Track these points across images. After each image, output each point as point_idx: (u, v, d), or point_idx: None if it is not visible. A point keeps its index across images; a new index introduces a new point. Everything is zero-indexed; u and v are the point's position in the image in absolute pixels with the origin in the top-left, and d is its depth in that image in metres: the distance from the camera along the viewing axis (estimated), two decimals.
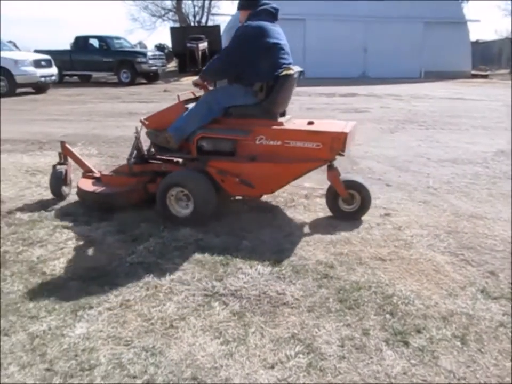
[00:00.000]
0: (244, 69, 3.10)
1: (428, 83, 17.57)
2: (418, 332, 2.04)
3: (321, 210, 3.46)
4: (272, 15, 3.21)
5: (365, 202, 3.23)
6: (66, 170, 3.79)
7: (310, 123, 3.23)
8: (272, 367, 1.81)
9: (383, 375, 1.78)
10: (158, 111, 3.58)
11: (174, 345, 1.93)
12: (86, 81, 18.02)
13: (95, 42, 17.48)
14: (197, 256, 2.70)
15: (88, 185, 3.55)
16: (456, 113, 9.09)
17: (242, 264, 2.59)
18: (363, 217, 3.30)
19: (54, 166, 3.78)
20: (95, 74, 18.15)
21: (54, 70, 14.00)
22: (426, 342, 1.97)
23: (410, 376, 1.78)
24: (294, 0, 18.96)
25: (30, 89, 13.45)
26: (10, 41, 16.05)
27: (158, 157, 3.53)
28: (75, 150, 3.97)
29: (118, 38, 18.46)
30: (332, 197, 3.28)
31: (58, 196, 3.73)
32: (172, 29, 23.84)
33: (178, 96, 3.47)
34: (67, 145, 3.84)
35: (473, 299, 2.30)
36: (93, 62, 16.80)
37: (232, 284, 2.38)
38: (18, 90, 12.92)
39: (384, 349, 1.93)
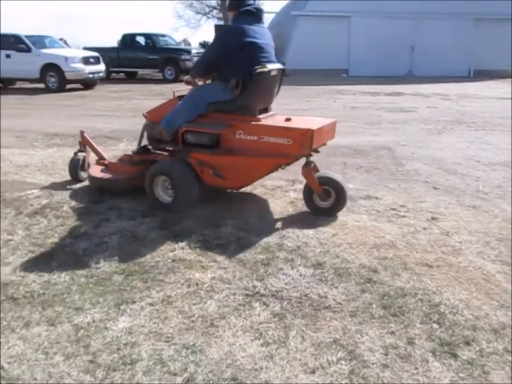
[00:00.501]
0: (223, 67, 3.32)
1: (477, 82, 16.90)
2: (467, 343, 1.94)
3: (365, 212, 3.37)
4: (253, 15, 3.34)
5: (340, 198, 3.26)
6: (84, 157, 4.21)
7: (288, 119, 3.33)
8: (313, 372, 1.78)
9: None
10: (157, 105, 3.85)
11: (214, 344, 1.93)
12: (131, 78, 18.45)
13: (141, 40, 17.87)
14: (238, 255, 2.69)
15: (97, 171, 3.89)
16: (507, 114, 8.68)
17: (284, 265, 2.56)
18: (409, 221, 3.20)
19: (75, 153, 4.23)
20: (141, 71, 18.57)
21: (102, 66, 14.41)
22: (476, 355, 1.88)
23: None
24: None
25: (78, 85, 13.89)
26: (61, 39, 16.62)
27: (154, 147, 3.80)
28: (92, 140, 4.28)
29: (163, 36, 18.79)
30: (308, 192, 3.35)
31: (76, 179, 4.16)
32: (216, 26, 24.01)
33: (173, 92, 3.79)
34: (85, 135, 4.22)
35: None
36: (139, 59, 17.16)
37: (273, 284, 2.36)
38: (68, 86, 13.37)
39: (430, 359, 1.85)
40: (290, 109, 9.27)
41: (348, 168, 4.65)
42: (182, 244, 2.82)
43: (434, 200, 3.69)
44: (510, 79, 18.29)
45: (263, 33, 3.36)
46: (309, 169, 3.24)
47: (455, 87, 14.32)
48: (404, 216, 3.30)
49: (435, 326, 2.05)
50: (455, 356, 1.87)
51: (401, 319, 2.10)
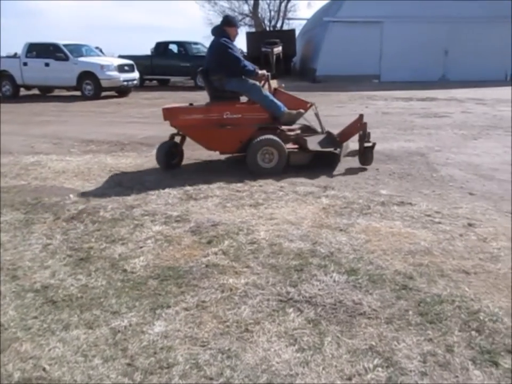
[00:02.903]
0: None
1: None
2: (509, 352, 1.89)
3: (399, 218, 3.32)
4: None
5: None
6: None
7: None
8: (350, 379, 1.76)
9: None
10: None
11: (249, 349, 1.94)
12: (164, 85, 18.80)
13: (174, 48, 18.21)
14: (271, 260, 2.69)
15: None
16: None
17: (317, 271, 2.54)
18: (445, 227, 3.13)
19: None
20: (173, 79, 18.89)
21: (136, 74, 14.78)
22: None
23: None
24: (371, 1, 18.58)
25: (113, 93, 14.26)
26: (97, 47, 17.10)
27: None
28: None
29: (196, 44, 19.07)
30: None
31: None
32: (248, 33, 24.25)
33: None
34: None
35: None
36: (171, 67, 17.47)
37: (306, 290, 2.35)
38: (103, 93, 13.73)
39: (470, 368, 1.81)
40: (321, 114, 9.24)
41: (381, 175, 4.59)
42: (215, 249, 2.85)
43: (470, 206, 3.60)
44: None
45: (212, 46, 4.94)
46: None
47: (491, 92, 13.96)
48: (439, 223, 3.23)
49: (474, 333, 2.00)
50: (496, 364, 1.82)
51: (439, 326, 2.05)
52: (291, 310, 2.20)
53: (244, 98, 4.99)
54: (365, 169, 4.74)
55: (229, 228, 3.17)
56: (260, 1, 28.55)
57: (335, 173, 4.63)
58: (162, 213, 3.53)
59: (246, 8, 30.01)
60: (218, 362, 1.86)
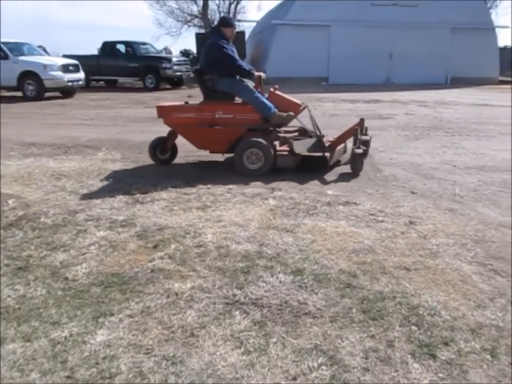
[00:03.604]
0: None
1: (454, 89, 17.29)
2: (446, 344, 1.97)
3: (344, 218, 3.40)
4: None
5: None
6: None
7: None
8: (295, 379, 1.77)
9: None
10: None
11: (194, 354, 1.91)
12: (112, 86, 18.34)
13: (121, 48, 17.82)
14: (218, 263, 2.68)
15: None
16: (483, 120, 8.89)
17: (264, 272, 2.55)
18: (388, 226, 3.24)
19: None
20: (121, 80, 18.47)
21: (81, 74, 14.30)
22: (455, 355, 1.90)
23: None
24: (319, 4, 18.95)
25: (57, 94, 13.74)
26: (40, 46, 16.45)
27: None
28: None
29: (144, 44, 18.76)
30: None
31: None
32: (197, 34, 24.08)
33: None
34: None
35: (503, 311, 2.22)
36: (119, 67, 17.09)
37: (253, 292, 2.35)
38: (46, 94, 13.20)
39: (410, 361, 1.87)
40: None
41: (327, 175, 4.68)
42: (161, 254, 2.80)
43: (412, 204, 3.74)
44: (485, 86, 18.74)
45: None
46: None
47: (432, 94, 14.61)
48: (382, 221, 3.33)
49: (414, 328, 2.07)
50: (434, 356, 1.89)
51: (381, 323, 2.11)
52: (237, 312, 2.19)
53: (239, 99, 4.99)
54: (314, 170, 4.80)
55: (175, 232, 3.13)
56: (210, 2, 28.43)
57: (283, 173, 4.67)
58: (107, 217, 3.43)
59: (195, 9, 29.78)
60: (163, 369, 1.82)
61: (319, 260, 2.71)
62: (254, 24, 29.38)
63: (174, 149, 5.25)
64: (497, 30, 22.15)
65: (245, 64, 4.84)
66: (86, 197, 3.94)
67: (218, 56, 4.70)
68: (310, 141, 4.82)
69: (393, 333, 2.04)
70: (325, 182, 4.42)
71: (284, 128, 5.08)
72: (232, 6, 30.38)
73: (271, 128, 4.93)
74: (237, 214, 3.48)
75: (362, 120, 5.00)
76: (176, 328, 2.08)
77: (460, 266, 2.66)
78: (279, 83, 17.68)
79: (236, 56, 4.80)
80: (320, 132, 4.98)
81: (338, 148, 4.97)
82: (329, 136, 5.21)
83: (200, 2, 28.19)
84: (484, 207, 3.73)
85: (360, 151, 4.63)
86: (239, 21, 30.33)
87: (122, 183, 4.37)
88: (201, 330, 2.06)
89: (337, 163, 5.11)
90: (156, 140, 5.18)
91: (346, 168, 4.85)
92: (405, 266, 2.64)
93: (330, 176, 4.65)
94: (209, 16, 28.75)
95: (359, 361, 1.86)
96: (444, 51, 20.44)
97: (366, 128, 5.11)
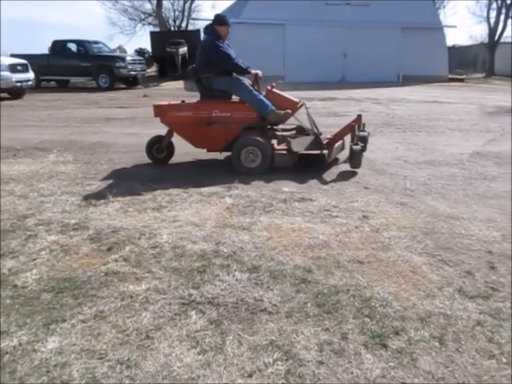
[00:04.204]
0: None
1: (406, 87, 17.83)
2: (397, 334, 2.03)
3: (299, 214, 3.45)
4: None
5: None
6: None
7: None
8: (251, 376, 1.78)
9: (362, 379, 1.77)
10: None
11: (150, 356, 1.89)
12: (63, 86, 17.80)
13: (73, 47, 17.32)
14: (174, 263, 2.65)
15: None
16: (433, 116, 9.22)
17: (220, 271, 2.55)
18: (342, 221, 3.31)
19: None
20: (73, 79, 17.96)
21: (30, 74, 13.78)
22: (405, 343, 1.97)
23: (390, 379, 1.77)
24: (273, 3, 19.06)
25: (5, 95, 13.19)
26: None
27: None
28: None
29: (96, 43, 18.30)
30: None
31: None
32: (152, 33, 23.75)
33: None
34: None
35: (451, 299, 2.31)
36: (71, 67, 16.61)
37: (209, 291, 2.34)
38: None
39: (363, 352, 1.91)
40: None
41: (284, 173, 4.72)
42: (115, 256, 2.75)
43: (365, 199, 3.83)
44: (435, 84, 19.42)
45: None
46: None
47: (385, 92, 15.00)
48: (336, 216, 3.40)
49: (367, 319, 2.13)
50: (385, 346, 1.95)
51: (335, 316, 2.15)
52: (193, 312, 2.18)
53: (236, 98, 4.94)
54: (273, 168, 4.83)
55: (130, 233, 3.08)
56: (164, 1, 28.08)
57: (239, 172, 4.68)
58: (59, 221, 3.33)
59: (149, 7, 29.34)
60: (117, 373, 1.79)
61: (274, 256, 2.73)
62: (209, 22, 29.25)
63: (171, 148, 5.23)
64: (445, 29, 23.00)
65: (241, 62, 4.80)
66: (36, 200, 3.81)
67: (214, 54, 4.68)
68: (307, 139, 4.81)
69: (346, 326, 2.08)
70: (281, 179, 4.45)
71: (281, 126, 5.08)
72: (187, 5, 30.13)
73: (269, 127, 4.92)
74: (193, 213, 3.46)
75: (359, 117, 5.02)
76: (131, 331, 2.04)
77: (411, 258, 2.75)
78: None
79: (232, 54, 4.79)
80: (317, 130, 4.99)
81: (336, 145, 4.98)
82: (327, 133, 5.25)
83: (154, 1, 27.78)
84: (433, 200, 3.87)
85: (358, 147, 4.63)
86: (194, 19, 30.15)
87: (75, 185, 4.26)
88: (156, 332, 2.04)
89: (335, 161, 5.16)
90: (153, 139, 5.17)
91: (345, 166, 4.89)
92: (358, 260, 2.71)
93: (285, 173, 4.69)
94: (163, 15, 28.38)
95: (313, 354, 1.89)
96: (396, 50, 21.03)
97: (364, 125, 5.15)
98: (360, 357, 1.89)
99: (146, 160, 5.28)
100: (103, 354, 1.90)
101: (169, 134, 5.07)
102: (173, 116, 4.88)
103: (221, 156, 5.25)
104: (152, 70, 23.28)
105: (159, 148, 5.16)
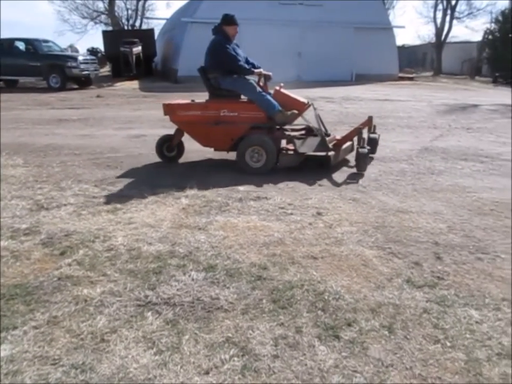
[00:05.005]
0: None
1: (359, 85, 18.26)
2: (349, 325, 2.11)
3: (255, 213, 3.49)
4: None
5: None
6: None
7: None
8: (207, 373, 1.81)
9: (316, 370, 1.83)
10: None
11: (105, 359, 1.88)
12: (12, 87, 17.11)
13: (21, 45, 16.63)
14: (129, 265, 2.64)
15: None
16: (384, 114, 9.51)
17: (176, 271, 2.56)
18: (296, 218, 3.38)
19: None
20: (22, 79, 17.27)
21: None
22: (357, 334, 2.05)
23: (342, 368, 1.84)
24: (227, 3, 19.01)
25: None
26: None
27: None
28: None
29: (46, 41, 17.67)
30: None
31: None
32: (104, 32, 23.21)
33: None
34: None
35: (400, 289, 2.42)
36: (19, 66, 15.93)
37: (165, 292, 2.35)
38: None
39: (316, 344, 1.98)
40: None
41: (241, 173, 4.75)
42: (68, 261, 2.70)
43: (319, 196, 3.93)
44: (386, 83, 20.01)
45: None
46: None
47: (339, 91, 15.30)
48: (291, 214, 3.47)
49: (320, 312, 2.20)
50: (338, 337, 2.02)
51: (290, 310, 2.21)
52: (149, 313, 2.18)
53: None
54: (228, 167, 4.85)
55: (84, 237, 3.03)
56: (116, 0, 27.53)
57: (197, 173, 4.68)
58: (9, 226, 3.23)
59: (101, 6, 28.69)
60: (72, 378, 1.77)
61: (230, 255, 2.77)
62: (164, 21, 28.91)
63: (181, 147, 5.27)
64: (394, 29, 23.72)
65: (244, 63, 4.83)
66: None
67: (220, 55, 4.73)
68: (314, 140, 4.79)
69: (301, 319, 2.14)
70: (237, 179, 4.48)
71: (291, 126, 5.07)
72: (140, 3, 29.66)
73: (277, 127, 4.90)
74: (148, 215, 3.44)
75: (370, 118, 5.01)
76: (85, 335, 2.02)
77: (362, 252, 2.86)
78: (192, 81, 17.43)
79: (237, 55, 4.82)
80: (326, 130, 5.01)
81: (344, 146, 4.99)
82: (337, 134, 5.24)
83: (106, 0, 27.20)
84: (384, 195, 4.02)
85: (365, 150, 4.60)
86: (147, 18, 29.74)
87: (26, 189, 4.13)
88: (112, 334, 2.03)
89: (346, 162, 5.15)
90: (163, 138, 5.23)
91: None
92: (312, 255, 2.78)
93: (243, 173, 4.72)
94: (116, 13, 27.82)
95: (269, 349, 1.94)
96: (349, 49, 21.46)
97: (375, 127, 5.13)
98: (314, 349, 1.95)
99: (100, 162, 5.19)
100: (56, 360, 1.87)
101: (179, 132, 5.09)
102: (182, 115, 4.91)
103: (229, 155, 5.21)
104: (106, 70, 22.80)
105: (169, 147, 5.20)
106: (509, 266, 2.71)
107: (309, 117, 5.13)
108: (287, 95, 5.00)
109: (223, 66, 4.78)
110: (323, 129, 5.01)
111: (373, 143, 5.03)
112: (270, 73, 5.11)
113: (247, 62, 5.03)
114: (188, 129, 5.01)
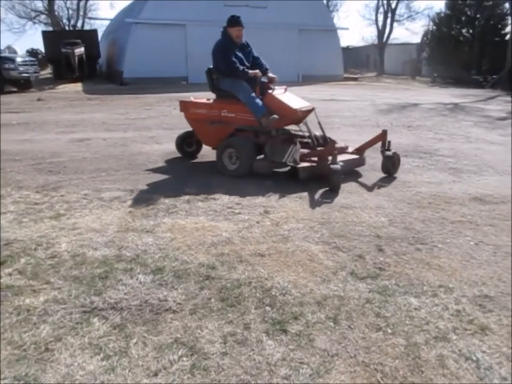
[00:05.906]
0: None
1: (305, 86, 18.58)
2: (296, 318, 2.17)
3: (203, 213, 3.50)
4: None
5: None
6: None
7: None
8: (156, 375, 1.81)
9: (264, 364, 1.87)
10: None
11: (50, 369, 1.83)
12: None
13: None
14: (74, 272, 2.57)
15: None
16: (330, 113, 9.75)
17: (123, 275, 2.53)
18: (244, 217, 3.42)
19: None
20: None
21: None
22: (303, 327, 2.11)
23: (289, 360, 1.89)
24: (172, 4, 18.87)
25: None
26: None
27: None
28: None
29: None
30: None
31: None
32: (44, 33, 22.39)
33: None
34: None
35: (344, 282, 2.51)
36: None
37: (111, 296, 2.32)
38: None
39: (264, 339, 2.02)
40: (128, 118, 9.10)
41: (190, 174, 4.74)
42: (9, 270, 2.59)
43: (267, 195, 3.98)
44: (332, 83, 20.51)
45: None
46: None
47: None
48: (239, 213, 3.51)
49: (268, 308, 2.24)
50: (285, 331, 2.07)
51: (238, 308, 2.24)
52: (95, 319, 2.14)
53: None
54: (175, 170, 4.81)
55: (25, 245, 2.92)
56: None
57: (143, 176, 4.62)
58: None
59: (39, 5, 27.62)
60: None
61: (178, 256, 2.76)
62: (108, 22, 28.24)
63: (200, 143, 5.47)
64: (339, 31, 24.41)
65: (238, 65, 4.79)
66: None
67: (218, 57, 4.84)
68: (289, 148, 4.53)
69: (249, 316, 2.18)
70: (186, 181, 4.47)
71: (299, 132, 5.02)
72: (82, 3, 28.82)
73: (274, 131, 4.77)
74: (94, 219, 3.36)
75: (385, 132, 4.76)
76: (28, 346, 1.96)
77: (308, 247, 2.93)
78: (138, 83, 17.10)
79: (234, 57, 4.81)
80: (327, 138, 4.96)
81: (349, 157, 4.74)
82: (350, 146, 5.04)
83: None
84: (329, 192, 4.12)
85: (337, 167, 4.13)
86: (90, 18, 28.95)
87: None
88: (56, 343, 1.98)
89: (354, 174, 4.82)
90: (183, 134, 5.47)
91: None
92: (260, 253, 2.83)
93: (192, 174, 4.71)
94: (56, 13, 26.88)
95: (218, 347, 1.96)
96: (294, 51, 21.86)
97: (389, 143, 4.73)
98: (262, 344, 1.99)
99: (42, 167, 5.01)
100: None
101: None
102: (193, 112, 5.15)
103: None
104: (47, 72, 21.97)
105: (189, 143, 5.44)
106: (445, 255, 2.87)
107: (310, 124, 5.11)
108: (278, 99, 4.80)
109: (221, 68, 4.86)
110: (314, 137, 4.93)
111: (388, 162, 4.68)
112: (275, 76, 5.14)
113: (257, 63, 5.14)
114: (194, 126, 5.22)
